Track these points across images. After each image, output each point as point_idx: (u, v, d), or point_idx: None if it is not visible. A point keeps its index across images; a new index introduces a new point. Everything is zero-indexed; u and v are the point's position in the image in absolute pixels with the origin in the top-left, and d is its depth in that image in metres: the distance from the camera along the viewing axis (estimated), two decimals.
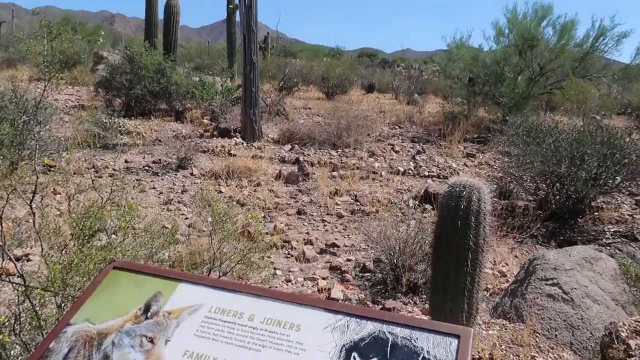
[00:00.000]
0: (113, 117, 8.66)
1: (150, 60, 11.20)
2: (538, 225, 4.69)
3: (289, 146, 8.35)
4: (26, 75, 17.55)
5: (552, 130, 5.41)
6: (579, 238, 4.70)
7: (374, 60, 49.86)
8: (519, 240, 4.69)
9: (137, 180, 6.50)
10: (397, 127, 11.53)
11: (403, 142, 9.69)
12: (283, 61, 23.21)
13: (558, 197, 5.08)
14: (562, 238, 4.79)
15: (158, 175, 6.77)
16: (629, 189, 5.33)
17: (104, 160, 7.28)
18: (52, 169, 6.76)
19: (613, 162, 4.62)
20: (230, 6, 19.74)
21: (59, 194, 5.81)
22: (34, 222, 2.28)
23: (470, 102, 12.46)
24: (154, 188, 6.22)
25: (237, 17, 20.25)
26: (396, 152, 8.68)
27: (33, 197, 2.40)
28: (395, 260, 3.55)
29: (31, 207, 2.30)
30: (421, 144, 9.50)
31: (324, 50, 54.04)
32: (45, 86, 3.30)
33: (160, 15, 15.04)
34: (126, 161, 7.42)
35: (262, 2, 8.86)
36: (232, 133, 9.16)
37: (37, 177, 2.35)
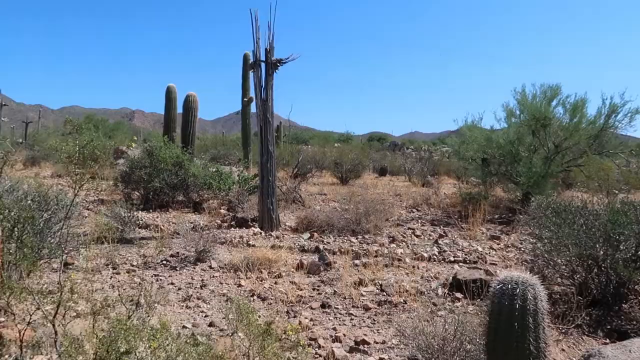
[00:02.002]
0: (132, 211, 8.69)
1: (169, 154, 11.48)
2: (582, 314, 4.37)
3: (307, 234, 8.22)
4: (49, 172, 18.07)
5: (582, 210, 5.24)
6: (629, 327, 4.36)
7: (384, 143, 51.01)
8: (563, 330, 4.36)
9: (155, 275, 6.34)
10: (414, 210, 11.42)
11: (423, 225, 9.52)
12: (296, 148, 23.82)
13: (597, 281, 4.80)
14: (609, 327, 4.44)
15: (176, 270, 6.62)
16: None
17: (122, 256, 7.18)
18: (71, 266, 6.68)
19: None
20: (245, 99, 20.65)
21: (76, 293, 5.63)
22: (55, 341, 2.12)
23: (485, 182, 12.43)
24: (172, 284, 6.04)
25: (253, 109, 21.16)
26: (417, 236, 8.49)
27: (56, 312, 2.26)
28: None
29: (54, 325, 2.16)
30: (442, 227, 9.32)
31: (334, 136, 55.64)
32: (76, 189, 3.28)
33: (179, 109, 15.74)
34: (144, 255, 7.31)
35: (276, 93, 9.16)
36: (249, 223, 9.10)
37: (61, 294, 2.22)
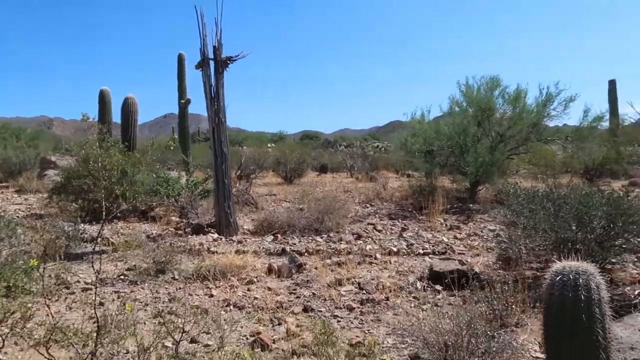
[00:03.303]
0: (77, 224, 8.02)
1: (110, 161, 10.75)
2: None
3: (270, 237, 7.98)
4: None
5: (549, 195, 5.43)
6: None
7: (317, 141, 51.23)
8: None
9: (115, 292, 5.86)
10: (368, 205, 11.46)
11: (381, 220, 9.56)
12: (236, 150, 23.32)
13: None
14: None
15: (137, 284, 6.15)
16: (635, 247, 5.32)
17: (73, 274, 6.60)
18: (15, 290, 6.02)
19: (622, 222, 4.61)
20: (182, 101, 19.83)
21: (31, 319, 5.07)
22: None
23: (431, 174, 12.74)
24: (136, 300, 5.60)
25: (190, 110, 20.42)
26: (379, 231, 8.50)
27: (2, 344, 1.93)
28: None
29: None
30: (400, 220, 9.40)
31: (267, 136, 55.18)
32: None
33: (114, 114, 14.83)
34: (98, 271, 6.74)
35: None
36: (206, 229, 8.70)
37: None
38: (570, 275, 1.99)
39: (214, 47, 8.75)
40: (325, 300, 5.32)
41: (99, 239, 8.75)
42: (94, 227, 9.56)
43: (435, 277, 5.56)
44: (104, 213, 4.71)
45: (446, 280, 5.43)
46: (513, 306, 4.11)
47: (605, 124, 12.51)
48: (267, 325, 4.69)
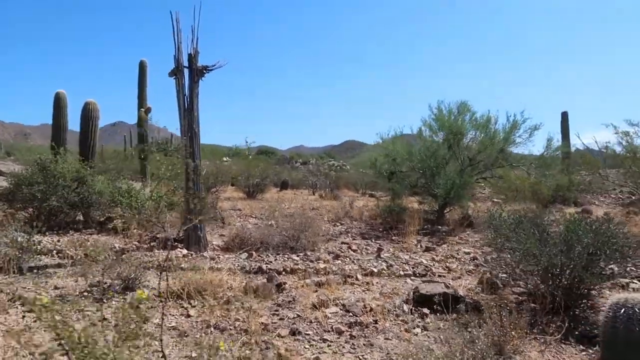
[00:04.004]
0: (32, 235, 7.40)
1: (68, 168, 10.12)
2: (560, 323, 4.48)
3: (244, 254, 7.66)
4: None
5: (534, 221, 5.47)
6: (596, 331, 4.54)
7: (272, 157, 50.94)
8: (541, 340, 4.43)
9: (79, 311, 5.37)
10: (338, 224, 11.32)
11: (354, 239, 9.43)
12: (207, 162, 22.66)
13: (558, 288, 4.99)
14: (577, 333, 4.61)
15: (103, 303, 5.69)
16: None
17: (29, 290, 6.05)
18: None
19: (609, 249, 4.68)
20: (142, 109, 19.13)
21: None
22: None
23: (396, 194, 12.80)
24: (104, 319, 5.14)
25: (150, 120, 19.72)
26: (354, 250, 8.35)
27: None
28: None
29: None
30: (374, 240, 9.31)
31: (222, 150, 54.29)
32: None
33: (70, 119, 13.99)
34: (56, 287, 6.22)
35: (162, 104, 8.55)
36: (173, 243, 8.27)
37: None
38: (636, 309, 1.90)
39: (190, 54, 8.44)
40: (311, 322, 5.08)
41: (55, 252, 8.14)
42: (48, 239, 8.89)
43: (421, 300, 5.45)
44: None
45: (434, 305, 5.34)
46: (512, 332, 4.03)
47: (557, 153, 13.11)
48: (254, 350, 4.39)
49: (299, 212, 11.42)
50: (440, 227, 10.74)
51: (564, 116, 20.86)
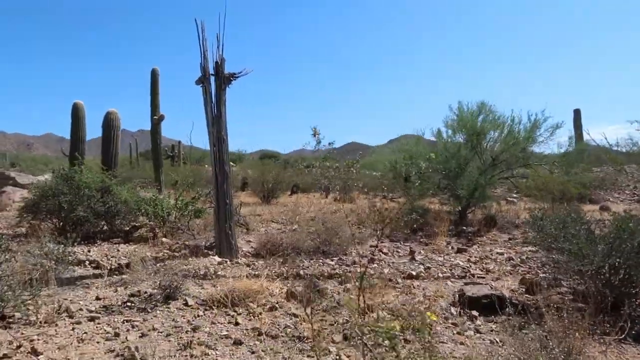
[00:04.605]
0: (67, 246, 7.42)
1: (93, 178, 10.15)
2: (612, 323, 4.46)
3: (279, 260, 7.65)
4: None
5: (578, 220, 5.45)
6: None
7: (275, 161, 50.94)
8: (600, 341, 4.41)
9: (126, 321, 5.37)
10: (362, 226, 11.30)
11: (382, 242, 9.41)
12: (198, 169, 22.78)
13: (608, 287, 4.97)
14: (634, 332, 4.59)
15: (147, 312, 5.68)
16: None
17: (71, 301, 6.06)
18: (12, 320, 5.42)
19: None
20: (155, 117, 19.18)
21: (41, 354, 4.54)
22: None
23: (419, 196, 12.80)
24: (153, 329, 5.16)
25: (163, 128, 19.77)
26: (385, 253, 8.34)
27: None
28: None
29: None
30: (402, 242, 9.29)
31: None
32: None
33: (88, 128, 14.09)
34: (98, 297, 6.23)
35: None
36: (204, 251, 8.28)
37: None
38: None
39: (216, 62, 8.47)
40: (361, 326, 5.06)
41: (87, 262, 8.16)
42: (78, 249, 8.91)
43: (469, 302, 5.43)
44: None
45: (481, 307, 5.33)
46: (576, 334, 4.00)
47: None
48: (311, 357, 4.39)
49: (322, 216, 11.42)
50: (464, 227, 10.72)
51: (577, 113, 20.84)
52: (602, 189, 19.35)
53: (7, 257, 5.19)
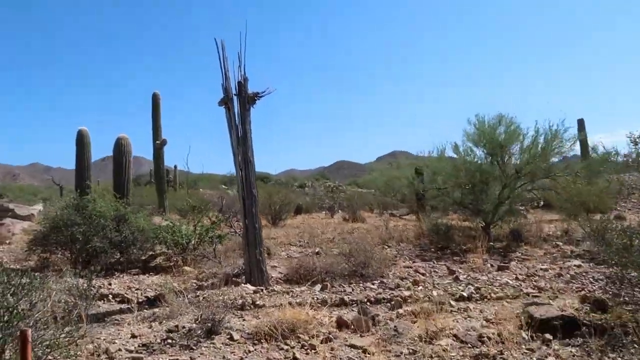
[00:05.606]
0: (91, 280, 6.97)
1: (107, 207, 9.73)
2: None
3: (319, 286, 7.27)
4: None
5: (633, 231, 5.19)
6: None
7: (267, 182, 50.60)
8: None
9: None
10: (386, 246, 10.96)
11: (414, 262, 9.07)
12: (214, 192, 22.34)
13: None
14: None
15: (193, 349, 5.26)
16: None
17: (105, 340, 5.62)
18: None
19: None
20: (158, 142, 18.82)
21: None
22: None
23: (421, 213, 12.58)
24: None
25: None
26: (422, 274, 7.99)
27: None
28: None
29: None
30: (435, 261, 8.96)
31: (217, 177, 53.71)
32: None
33: (93, 155, 13.68)
34: (133, 335, 5.79)
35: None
36: (233, 278, 7.87)
37: None
38: None
39: (239, 82, 8.20)
40: (432, 357, 4.70)
41: (111, 296, 7.71)
42: (97, 282, 8.43)
43: (539, 325, 5.10)
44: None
45: (552, 329, 5.00)
46: None
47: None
48: None
49: (340, 237, 11.07)
50: (492, 243, 10.42)
51: (581, 123, 20.83)
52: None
53: (42, 295, 4.74)
